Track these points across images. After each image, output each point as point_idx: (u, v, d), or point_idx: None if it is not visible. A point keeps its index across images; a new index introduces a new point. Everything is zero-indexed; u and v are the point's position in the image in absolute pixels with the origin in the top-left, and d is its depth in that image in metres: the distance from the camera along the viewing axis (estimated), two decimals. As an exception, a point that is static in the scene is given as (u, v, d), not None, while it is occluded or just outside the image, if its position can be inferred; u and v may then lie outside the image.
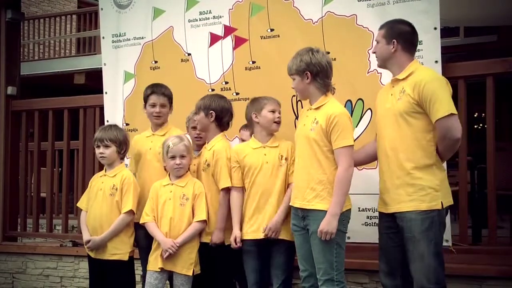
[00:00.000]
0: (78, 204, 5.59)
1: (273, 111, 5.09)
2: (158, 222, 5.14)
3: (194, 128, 5.63)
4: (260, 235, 5.02)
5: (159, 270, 5.06)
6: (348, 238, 5.28)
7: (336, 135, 4.50)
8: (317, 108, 4.67)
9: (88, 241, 5.28)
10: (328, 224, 4.43)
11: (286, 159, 5.08)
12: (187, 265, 5.02)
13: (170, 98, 5.57)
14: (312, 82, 4.67)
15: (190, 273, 5.01)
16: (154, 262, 5.09)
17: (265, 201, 5.06)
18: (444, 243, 5.01)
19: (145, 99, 5.58)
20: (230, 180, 5.13)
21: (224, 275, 5.22)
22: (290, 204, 4.81)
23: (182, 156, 5.11)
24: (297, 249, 4.80)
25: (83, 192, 7.28)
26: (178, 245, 4.99)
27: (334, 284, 4.50)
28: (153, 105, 5.50)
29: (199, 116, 5.33)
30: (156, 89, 5.56)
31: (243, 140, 5.47)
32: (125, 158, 5.71)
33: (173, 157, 5.11)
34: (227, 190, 5.15)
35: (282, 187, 5.07)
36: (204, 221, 5.06)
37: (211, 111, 5.27)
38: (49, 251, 7.39)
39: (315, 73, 4.64)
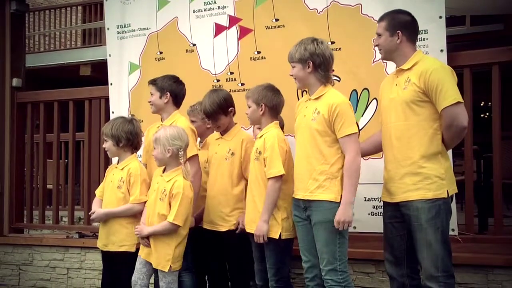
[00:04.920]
0: (96, 191, 5.62)
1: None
2: None
3: (192, 121, 5.68)
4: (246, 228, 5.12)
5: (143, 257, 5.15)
6: (354, 228, 5.30)
7: (340, 124, 4.48)
8: (316, 99, 4.65)
9: (94, 212, 5.40)
10: (344, 214, 4.42)
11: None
12: (163, 261, 4.99)
13: (157, 85, 5.51)
14: (313, 72, 4.65)
15: (166, 269, 4.98)
16: (141, 248, 5.15)
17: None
18: (450, 232, 5.01)
19: None
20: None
21: (239, 263, 5.31)
22: (293, 195, 4.81)
23: (154, 148, 5.14)
24: (299, 240, 4.80)
25: (89, 183, 7.38)
26: (143, 234, 5.06)
27: (337, 274, 4.50)
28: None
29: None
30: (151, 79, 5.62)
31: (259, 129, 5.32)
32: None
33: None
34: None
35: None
36: (173, 224, 4.96)
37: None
38: (56, 243, 7.39)
39: (318, 63, 4.63)
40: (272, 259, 4.94)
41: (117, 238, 5.28)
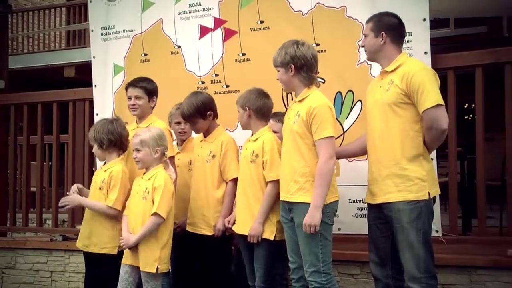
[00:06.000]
0: None
1: None
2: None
3: (178, 123, 5.70)
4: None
5: (129, 264, 5.08)
6: (339, 229, 5.32)
7: (316, 126, 4.48)
8: (300, 101, 4.65)
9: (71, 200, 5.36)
10: (311, 217, 4.41)
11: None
12: (151, 261, 4.95)
13: (147, 89, 5.48)
14: (296, 75, 4.65)
15: (153, 270, 4.93)
16: (125, 256, 5.10)
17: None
18: (434, 233, 5.05)
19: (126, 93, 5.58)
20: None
21: (221, 266, 5.31)
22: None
23: (137, 150, 5.08)
24: (286, 241, 4.79)
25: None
26: (129, 243, 4.98)
27: (321, 276, 4.49)
28: (129, 98, 5.49)
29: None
30: (133, 81, 5.56)
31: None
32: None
33: (133, 151, 5.13)
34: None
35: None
36: (158, 215, 4.93)
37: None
38: (39, 246, 7.35)
39: (299, 66, 4.62)
40: (263, 259, 4.94)
41: (99, 240, 5.24)
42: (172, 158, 5.39)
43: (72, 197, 5.31)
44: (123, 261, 5.09)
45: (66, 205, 5.37)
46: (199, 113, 5.32)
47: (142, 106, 5.49)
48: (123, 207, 5.22)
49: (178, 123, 5.72)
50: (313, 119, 4.49)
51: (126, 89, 5.56)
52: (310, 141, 4.54)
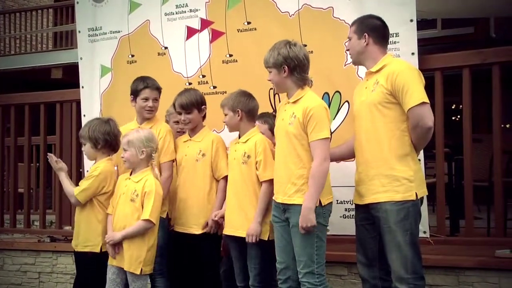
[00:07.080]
0: None
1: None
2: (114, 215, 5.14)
3: (176, 122, 5.65)
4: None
5: (115, 265, 5.06)
6: (327, 230, 5.30)
7: (312, 127, 4.47)
8: (294, 102, 4.64)
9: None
10: (305, 219, 4.41)
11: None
12: (136, 263, 4.94)
13: (161, 91, 5.50)
14: (289, 76, 4.63)
15: (138, 272, 4.93)
16: (111, 257, 5.09)
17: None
18: (422, 234, 5.06)
19: (137, 92, 5.44)
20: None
21: (212, 265, 5.32)
22: (273, 198, 4.80)
23: (124, 150, 5.07)
24: (276, 240, 4.78)
25: (60, 187, 7.26)
26: (115, 238, 4.97)
27: (314, 277, 4.49)
28: (146, 99, 5.41)
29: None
30: (149, 83, 5.46)
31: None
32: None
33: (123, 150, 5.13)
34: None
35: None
36: (149, 221, 4.93)
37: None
38: (27, 247, 7.33)
39: (293, 67, 4.61)
40: (257, 259, 4.96)
41: (83, 238, 5.21)
42: (171, 162, 5.40)
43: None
44: (109, 262, 5.08)
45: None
46: (197, 103, 5.35)
47: (157, 109, 5.50)
48: (107, 206, 5.20)
49: (177, 122, 5.66)
50: (309, 120, 4.49)
51: (140, 89, 5.41)
52: (306, 142, 4.54)
